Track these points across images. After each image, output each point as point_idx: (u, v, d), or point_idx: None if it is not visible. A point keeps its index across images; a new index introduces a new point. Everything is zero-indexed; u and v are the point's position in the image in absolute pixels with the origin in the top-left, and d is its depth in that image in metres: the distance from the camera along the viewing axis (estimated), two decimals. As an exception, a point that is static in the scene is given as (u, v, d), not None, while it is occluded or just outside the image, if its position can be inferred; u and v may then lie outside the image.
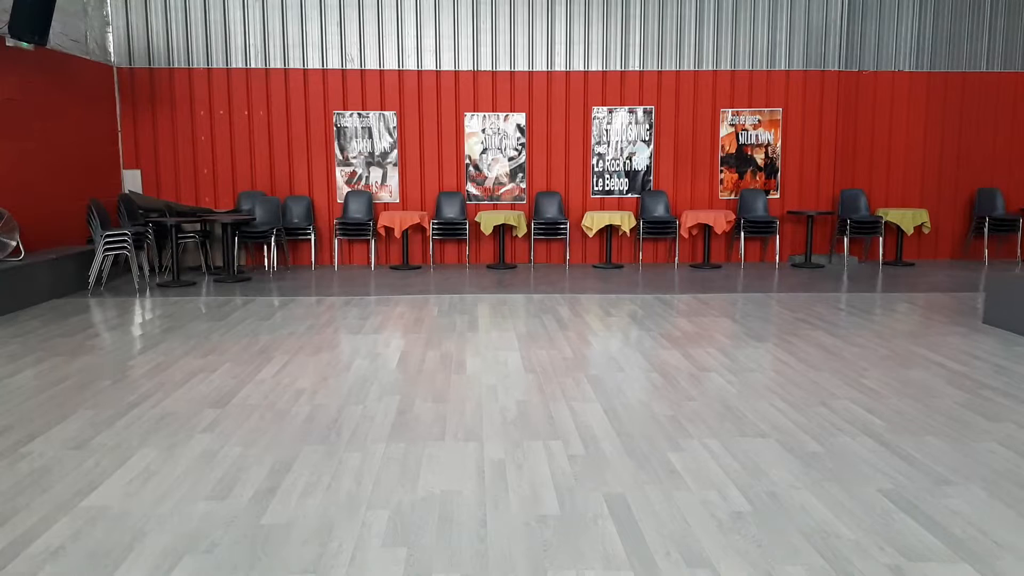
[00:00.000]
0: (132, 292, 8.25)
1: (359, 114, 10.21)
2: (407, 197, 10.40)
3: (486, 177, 10.42)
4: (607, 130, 10.39)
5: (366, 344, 5.85)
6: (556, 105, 10.33)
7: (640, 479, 3.31)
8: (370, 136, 10.27)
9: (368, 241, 10.40)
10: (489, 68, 10.23)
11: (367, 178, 10.35)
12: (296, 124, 10.20)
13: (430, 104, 10.27)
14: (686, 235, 10.29)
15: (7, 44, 7.83)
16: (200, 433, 3.90)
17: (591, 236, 10.14)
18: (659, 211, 10.36)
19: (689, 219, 10.09)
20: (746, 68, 10.35)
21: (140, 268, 8.87)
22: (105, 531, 2.85)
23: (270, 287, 8.62)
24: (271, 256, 9.96)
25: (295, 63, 10.11)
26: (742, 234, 10.31)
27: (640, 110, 10.37)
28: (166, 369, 5.14)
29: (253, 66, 10.09)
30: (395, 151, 10.31)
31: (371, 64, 10.15)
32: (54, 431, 3.94)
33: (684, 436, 3.84)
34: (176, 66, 10.05)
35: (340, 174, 10.32)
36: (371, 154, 10.31)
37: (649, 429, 3.95)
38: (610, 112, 10.36)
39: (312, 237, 10.21)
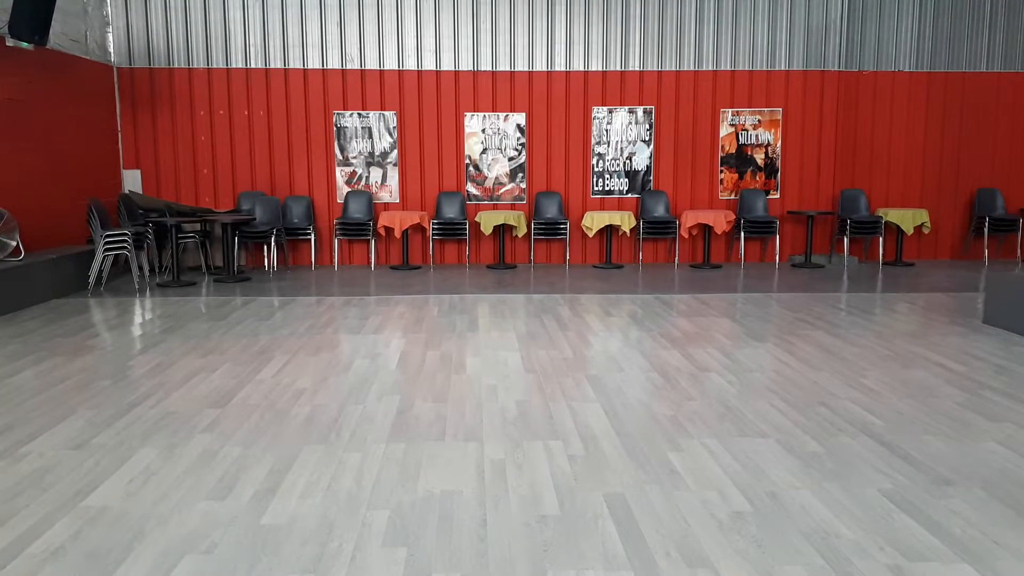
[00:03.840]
0: (132, 292, 8.25)
1: (359, 114, 10.21)
2: (407, 197, 10.40)
3: (486, 177, 10.42)
4: (607, 130, 10.39)
5: (366, 344, 5.84)
6: (556, 105, 10.33)
7: (640, 479, 3.31)
8: (370, 136, 10.27)
9: (368, 241, 10.40)
10: (489, 68, 10.23)
11: (367, 178, 10.35)
12: (296, 124, 10.20)
13: (430, 104, 10.27)
14: (686, 235, 10.29)
15: (7, 44, 7.83)
16: (200, 433, 3.90)
17: (591, 236, 10.14)
18: (659, 211, 10.36)
19: (689, 219, 10.09)
20: (746, 68, 10.35)
21: (140, 268, 8.87)
22: (105, 531, 2.85)
23: (270, 287, 8.62)
24: (271, 256, 9.96)
25: (295, 63, 10.11)
26: (742, 234, 10.31)
27: (640, 110, 10.37)
28: (166, 369, 5.14)
29: (253, 66, 10.09)
30: (395, 151, 10.31)
31: (371, 64, 10.15)
32: (54, 431, 3.94)
33: (684, 436, 3.84)
34: (176, 66, 10.05)
35: (340, 174, 10.32)
36: (371, 154, 10.31)
37: (649, 429, 3.95)
38: (610, 112, 10.36)
39: (312, 237, 10.21)
